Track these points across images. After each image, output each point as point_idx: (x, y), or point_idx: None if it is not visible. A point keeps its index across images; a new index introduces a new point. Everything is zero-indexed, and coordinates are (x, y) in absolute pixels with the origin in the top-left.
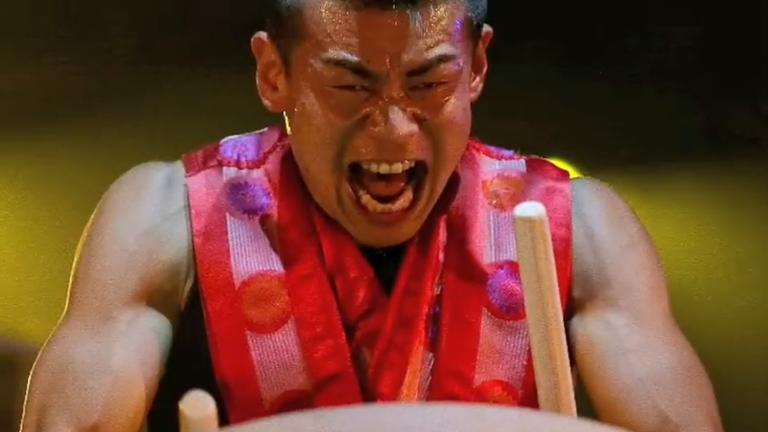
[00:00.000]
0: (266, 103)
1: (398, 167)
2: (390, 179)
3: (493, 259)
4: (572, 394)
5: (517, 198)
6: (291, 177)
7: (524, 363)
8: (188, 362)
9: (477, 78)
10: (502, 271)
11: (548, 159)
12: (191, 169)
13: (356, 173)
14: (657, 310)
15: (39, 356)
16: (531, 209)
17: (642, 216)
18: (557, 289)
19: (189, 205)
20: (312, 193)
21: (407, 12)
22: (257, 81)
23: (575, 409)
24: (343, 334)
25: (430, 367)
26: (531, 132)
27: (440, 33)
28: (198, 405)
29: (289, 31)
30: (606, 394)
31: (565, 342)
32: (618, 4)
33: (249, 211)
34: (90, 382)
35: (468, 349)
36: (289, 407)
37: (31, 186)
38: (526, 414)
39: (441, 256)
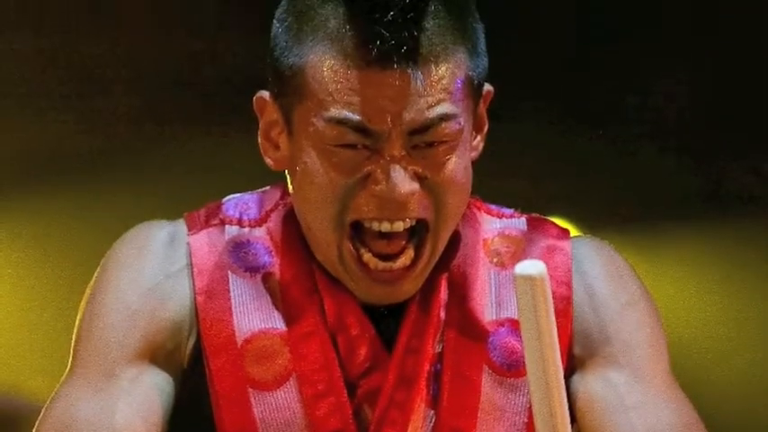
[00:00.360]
0: (268, 161)
1: (400, 226)
2: (392, 237)
3: (494, 317)
4: None
5: (518, 256)
6: (293, 235)
7: (525, 420)
8: (191, 419)
9: (479, 137)
10: (503, 329)
11: (548, 218)
12: (193, 227)
13: (358, 231)
14: (658, 368)
15: (42, 414)
16: (531, 267)
17: (642, 274)
18: (557, 346)
19: (191, 263)
20: (314, 251)
21: (409, 71)
22: (259, 140)
23: None
24: (345, 391)
25: (431, 425)
26: (531, 191)
27: (441, 92)
28: None
29: (291, 90)
30: None
31: (565, 399)
32: (617, 63)
33: (251, 269)
34: None
35: (470, 407)
36: None
37: (33, 244)
38: None
39: (442, 314)
